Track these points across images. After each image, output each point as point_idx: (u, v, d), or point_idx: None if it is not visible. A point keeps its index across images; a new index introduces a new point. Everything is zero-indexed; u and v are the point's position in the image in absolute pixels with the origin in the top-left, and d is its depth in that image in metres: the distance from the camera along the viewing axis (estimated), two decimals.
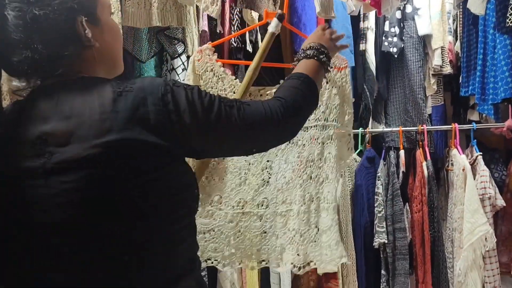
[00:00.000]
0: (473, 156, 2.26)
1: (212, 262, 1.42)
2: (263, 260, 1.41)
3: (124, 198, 0.76)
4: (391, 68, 2.67)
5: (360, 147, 2.48)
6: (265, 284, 2.31)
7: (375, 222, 2.26)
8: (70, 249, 0.77)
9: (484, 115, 2.40)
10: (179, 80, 2.15)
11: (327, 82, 1.40)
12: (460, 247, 2.14)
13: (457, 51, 2.53)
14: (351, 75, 2.61)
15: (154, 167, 0.79)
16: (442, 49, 2.52)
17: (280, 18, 1.29)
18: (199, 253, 1.01)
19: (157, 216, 0.80)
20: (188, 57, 2.11)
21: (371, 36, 2.59)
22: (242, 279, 2.27)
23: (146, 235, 0.80)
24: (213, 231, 1.41)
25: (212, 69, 1.42)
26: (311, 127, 1.39)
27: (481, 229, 2.05)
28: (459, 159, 2.21)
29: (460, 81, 2.37)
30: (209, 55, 1.42)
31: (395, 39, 2.57)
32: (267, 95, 1.42)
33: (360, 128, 2.46)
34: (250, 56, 2.24)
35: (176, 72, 2.18)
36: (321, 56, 1.12)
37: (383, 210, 2.25)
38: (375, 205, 2.28)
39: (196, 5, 1.90)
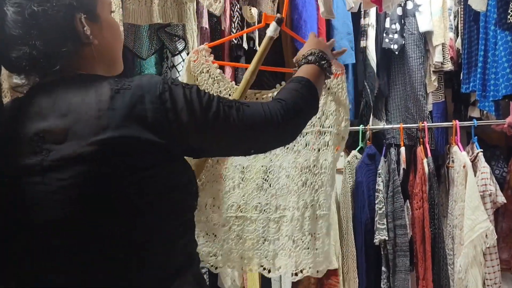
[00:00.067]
0: (474, 153, 2.26)
1: (205, 265, 1.42)
2: (255, 266, 1.39)
3: (122, 196, 0.77)
4: (392, 65, 2.67)
5: (360, 144, 2.48)
6: (266, 281, 2.31)
7: (375, 219, 2.27)
8: (68, 247, 0.77)
9: (485, 111, 2.39)
10: (179, 77, 2.15)
11: (323, 88, 1.38)
12: (460, 244, 2.15)
13: (458, 48, 2.52)
14: (351, 72, 2.62)
15: (151, 164, 0.78)
16: (443, 46, 2.52)
17: (279, 22, 1.28)
18: None
19: (155, 213, 0.80)
20: (188, 54, 2.11)
21: (372, 32, 2.58)
22: (243, 275, 2.27)
23: (144, 232, 0.80)
24: (207, 234, 1.41)
25: (208, 71, 1.40)
26: (307, 133, 1.37)
27: (482, 226, 2.05)
28: (459, 156, 2.21)
29: (461, 77, 2.36)
30: (205, 56, 1.40)
31: (396, 35, 2.56)
32: (263, 98, 1.41)
33: (361, 125, 2.46)
34: (250, 53, 2.24)
35: (177, 69, 2.17)
36: (323, 62, 1.12)
37: (384, 207, 2.25)
38: (376, 202, 2.28)
39: (196, 1, 1.90)
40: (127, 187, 0.76)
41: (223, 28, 2.27)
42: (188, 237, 0.89)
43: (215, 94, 0.88)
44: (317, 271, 1.34)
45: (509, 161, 2.34)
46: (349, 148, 2.56)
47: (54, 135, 0.76)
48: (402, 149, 2.38)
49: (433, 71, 2.57)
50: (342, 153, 2.46)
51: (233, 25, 2.26)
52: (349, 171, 2.40)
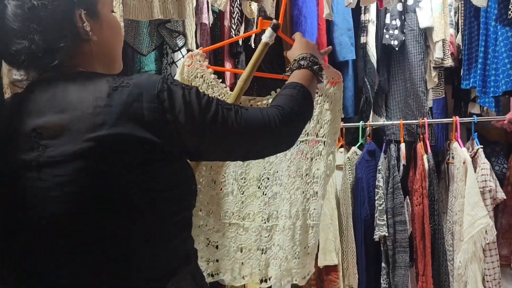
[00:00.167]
0: (474, 149, 2.26)
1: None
2: (246, 276, 1.38)
3: (118, 193, 0.76)
4: (392, 61, 2.66)
5: (360, 140, 2.48)
6: None
7: (375, 215, 2.27)
8: (64, 243, 0.78)
9: (485, 108, 2.39)
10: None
11: (319, 96, 1.36)
12: (460, 240, 2.15)
13: (458, 44, 2.52)
14: (352, 68, 2.62)
15: (149, 162, 0.78)
16: (443, 42, 2.52)
17: (275, 28, 1.26)
18: None
19: (152, 211, 0.80)
20: (188, 50, 2.10)
21: (372, 28, 2.58)
22: None
23: (141, 229, 0.80)
24: (201, 238, 1.40)
25: (202, 76, 1.38)
26: (301, 141, 1.35)
27: (482, 222, 2.05)
28: (459, 152, 2.21)
29: (461, 73, 2.36)
30: (199, 61, 1.38)
31: (396, 31, 2.56)
32: (257, 105, 1.40)
33: (361, 121, 2.46)
34: (250, 50, 2.24)
35: (177, 66, 2.17)
36: (315, 67, 1.11)
37: (384, 203, 2.26)
38: (376, 198, 2.28)
39: None
40: (124, 184, 0.76)
41: (229, 25, 2.27)
42: (185, 234, 0.89)
43: (214, 97, 0.87)
44: (303, 278, 1.34)
45: (509, 157, 2.34)
46: (349, 144, 2.57)
47: (51, 131, 0.76)
48: (402, 145, 2.38)
49: (433, 67, 2.57)
50: (342, 149, 2.47)
51: (233, 21, 2.26)
52: (349, 167, 2.40)
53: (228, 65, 2.27)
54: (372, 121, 2.55)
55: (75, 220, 0.76)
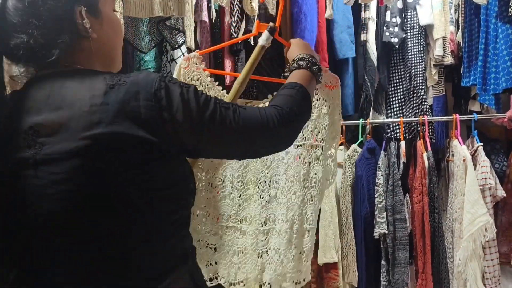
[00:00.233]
0: (474, 147, 2.26)
1: None
2: (242, 281, 1.38)
3: (114, 191, 0.76)
4: (392, 58, 2.66)
5: (360, 138, 2.48)
6: None
7: (375, 213, 2.27)
8: (60, 240, 0.77)
9: (485, 105, 2.39)
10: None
11: (317, 100, 1.36)
12: (460, 238, 2.15)
13: (458, 41, 2.51)
14: (352, 65, 2.62)
15: (146, 161, 0.78)
16: (443, 39, 2.51)
17: (272, 31, 1.26)
18: None
19: (149, 209, 0.80)
20: (187, 48, 2.10)
21: (372, 26, 2.58)
22: None
23: (137, 228, 0.79)
24: (199, 241, 1.40)
25: (199, 78, 1.38)
26: (299, 145, 1.34)
27: (481, 220, 2.05)
28: (459, 149, 2.21)
29: (462, 71, 2.36)
30: (196, 64, 1.39)
31: (396, 29, 2.55)
32: None
33: (361, 119, 2.46)
34: (250, 48, 2.23)
35: (176, 63, 2.16)
36: (314, 68, 1.11)
37: (384, 200, 2.26)
38: (376, 195, 2.28)
39: None
40: (120, 183, 0.76)
41: (229, 22, 2.26)
42: (183, 233, 0.89)
43: (212, 96, 0.87)
44: (298, 282, 1.34)
45: (509, 155, 2.34)
46: (349, 142, 2.57)
47: (48, 129, 0.76)
48: (402, 143, 2.38)
49: (433, 64, 2.56)
50: (342, 147, 2.46)
51: (233, 18, 2.25)
52: (349, 165, 2.40)
53: (228, 63, 2.27)
54: (372, 119, 2.55)
55: (71, 218, 0.76)
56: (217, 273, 1.40)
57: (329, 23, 2.52)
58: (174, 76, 1.39)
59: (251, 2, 2.01)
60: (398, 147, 2.40)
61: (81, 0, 0.84)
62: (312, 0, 2.34)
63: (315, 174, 1.34)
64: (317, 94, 1.35)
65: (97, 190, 0.75)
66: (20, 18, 0.80)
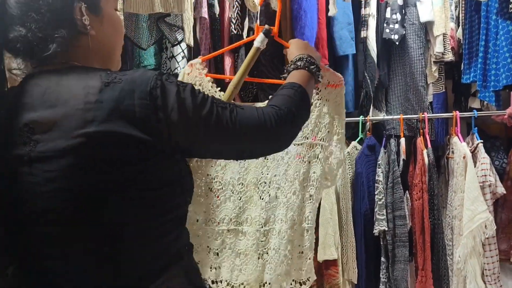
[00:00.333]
0: (474, 144, 2.25)
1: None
2: (243, 283, 1.38)
3: (107, 190, 0.76)
4: (392, 55, 2.65)
5: (360, 135, 2.48)
6: None
7: (375, 210, 2.27)
8: (54, 239, 0.78)
9: (485, 102, 2.39)
10: (178, 67, 2.14)
11: (318, 99, 1.35)
12: (460, 235, 2.15)
13: (459, 38, 2.51)
14: (352, 62, 2.61)
15: (139, 159, 0.77)
16: (444, 36, 2.51)
17: (267, 33, 1.27)
18: None
19: (142, 208, 0.80)
20: (187, 45, 2.10)
21: (372, 23, 2.57)
22: None
23: (131, 227, 0.79)
24: (201, 246, 1.40)
25: (200, 84, 1.41)
26: (299, 144, 1.35)
27: (481, 217, 2.05)
28: (459, 146, 2.21)
29: (462, 68, 2.35)
30: (199, 70, 1.41)
31: (396, 26, 2.54)
32: None
33: (361, 116, 2.46)
34: (250, 45, 2.23)
35: (176, 60, 2.16)
36: (312, 67, 1.10)
37: (383, 197, 2.26)
38: (375, 192, 2.28)
39: None
40: (114, 181, 0.76)
41: (224, 18, 2.26)
42: (178, 231, 0.88)
43: (209, 95, 0.86)
44: (303, 283, 1.34)
45: (509, 152, 2.34)
46: (349, 139, 2.56)
47: (43, 126, 0.76)
48: (402, 140, 2.38)
49: (433, 61, 2.56)
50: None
51: (232, 15, 2.25)
52: (349, 162, 2.40)
53: (227, 60, 2.26)
54: (372, 116, 2.54)
55: (64, 216, 0.76)
56: (221, 277, 1.40)
57: (329, 20, 2.51)
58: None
59: None
60: (398, 144, 2.39)
61: None
62: None
63: (314, 172, 1.34)
64: (318, 94, 1.35)
65: (89, 189, 0.75)
66: (19, 11, 0.81)
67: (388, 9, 2.57)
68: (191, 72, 1.41)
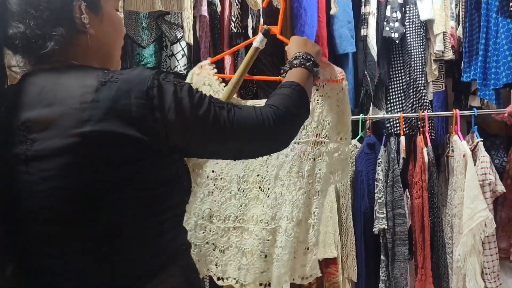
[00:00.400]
0: (474, 142, 2.25)
1: (208, 273, 1.41)
2: (249, 283, 1.38)
3: (103, 189, 0.76)
4: (392, 53, 2.65)
5: (360, 133, 2.48)
6: None
7: (375, 208, 2.27)
8: (50, 238, 0.78)
9: (485, 101, 2.39)
10: (178, 65, 2.14)
11: (320, 96, 1.34)
12: (459, 233, 2.15)
13: (459, 36, 2.50)
14: (352, 60, 2.61)
15: (136, 159, 0.77)
16: (444, 34, 2.50)
17: (266, 33, 1.28)
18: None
19: (139, 207, 0.79)
20: (186, 43, 2.09)
21: (372, 21, 2.57)
22: None
23: (127, 226, 0.79)
24: (207, 243, 1.40)
25: (210, 84, 1.44)
26: (303, 142, 1.34)
27: (481, 215, 2.05)
28: (459, 145, 2.21)
29: (462, 66, 2.35)
30: (207, 70, 1.45)
31: (396, 24, 2.54)
32: None
33: (361, 114, 2.46)
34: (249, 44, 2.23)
35: (176, 58, 2.16)
36: (308, 64, 1.09)
37: (383, 196, 2.26)
38: (375, 191, 2.28)
39: None
40: (110, 181, 0.76)
41: (224, 16, 2.25)
42: (175, 231, 0.88)
43: (207, 94, 0.85)
44: (306, 278, 1.34)
45: (509, 150, 2.34)
46: None
47: (39, 125, 0.76)
48: (402, 138, 2.38)
49: (433, 60, 2.56)
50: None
51: (232, 13, 2.24)
52: (349, 161, 2.40)
53: (227, 59, 2.26)
54: (372, 114, 2.54)
55: (61, 215, 0.76)
56: (228, 274, 1.40)
57: (329, 18, 2.51)
58: (187, 81, 1.39)
59: None
60: (398, 143, 2.39)
61: None
62: None
63: (319, 169, 1.34)
64: (319, 90, 1.34)
65: (85, 188, 0.75)
66: (19, 7, 0.81)
67: (388, 7, 2.57)
68: (201, 73, 1.44)
